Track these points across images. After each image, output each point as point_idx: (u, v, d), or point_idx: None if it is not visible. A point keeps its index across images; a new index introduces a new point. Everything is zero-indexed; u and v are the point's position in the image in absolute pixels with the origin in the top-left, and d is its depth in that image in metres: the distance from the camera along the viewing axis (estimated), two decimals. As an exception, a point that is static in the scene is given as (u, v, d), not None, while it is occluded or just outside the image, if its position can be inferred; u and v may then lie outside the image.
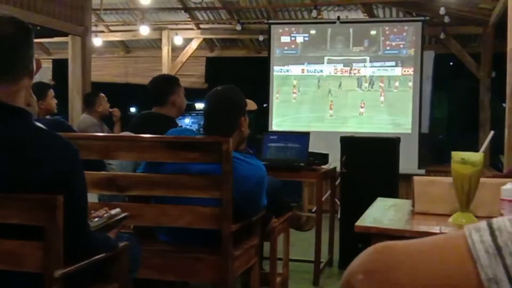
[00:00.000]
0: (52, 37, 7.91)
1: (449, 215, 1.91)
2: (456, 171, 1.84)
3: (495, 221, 0.66)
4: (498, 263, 0.63)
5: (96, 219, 2.21)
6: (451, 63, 11.53)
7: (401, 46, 8.38)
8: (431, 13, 8.41)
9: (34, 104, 2.18)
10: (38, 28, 6.29)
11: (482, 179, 1.85)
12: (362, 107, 8.49)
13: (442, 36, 8.67)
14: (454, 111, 10.76)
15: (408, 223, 1.89)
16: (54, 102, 4.97)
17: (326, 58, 8.64)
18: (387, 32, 8.43)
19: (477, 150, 1.92)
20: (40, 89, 4.54)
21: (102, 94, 6.06)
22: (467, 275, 0.64)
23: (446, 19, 8.14)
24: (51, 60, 11.01)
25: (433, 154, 9.62)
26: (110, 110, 6.03)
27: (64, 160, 1.89)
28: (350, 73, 8.58)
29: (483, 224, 0.66)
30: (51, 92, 4.95)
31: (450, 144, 9.96)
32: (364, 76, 8.52)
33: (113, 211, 2.31)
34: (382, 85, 8.44)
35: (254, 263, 3.20)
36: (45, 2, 6.58)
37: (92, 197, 3.35)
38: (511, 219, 0.65)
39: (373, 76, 8.48)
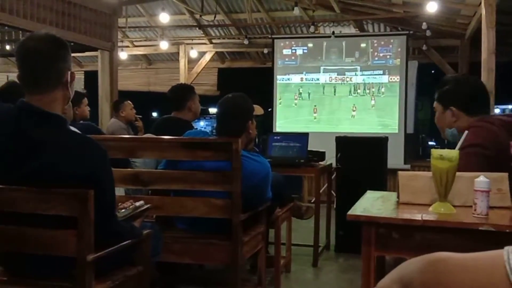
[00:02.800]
0: (83, 51, 7.94)
1: (429, 205, 1.91)
2: (435, 166, 1.84)
3: None
4: None
5: (123, 210, 2.21)
6: (432, 71, 11.46)
7: (388, 57, 8.36)
8: (414, 28, 8.38)
9: (69, 111, 2.18)
10: (72, 44, 6.31)
11: (458, 173, 1.85)
12: (354, 111, 8.48)
13: (424, 47, 8.63)
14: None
15: (394, 212, 1.88)
16: (87, 109, 4.98)
17: (322, 67, 8.63)
18: (376, 45, 8.41)
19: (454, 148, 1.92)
20: (76, 97, 4.54)
21: (129, 102, 6.05)
22: None
23: (428, 33, 8.11)
24: (83, 72, 11.05)
25: (417, 151, 9.58)
26: (135, 119, 6.00)
27: (95, 159, 1.89)
28: (343, 80, 8.57)
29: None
30: (85, 100, 4.96)
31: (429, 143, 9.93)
32: (356, 83, 8.51)
33: (137, 203, 2.31)
34: (372, 91, 8.42)
35: (261, 248, 3.20)
36: (78, 22, 6.60)
37: (119, 191, 3.36)
38: None
39: (363, 83, 8.47)
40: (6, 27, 7.08)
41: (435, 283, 0.69)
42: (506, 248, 0.66)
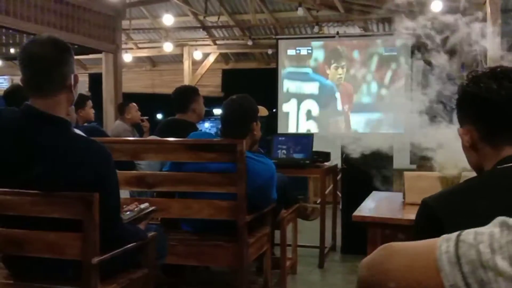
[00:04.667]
0: (88, 54, 7.96)
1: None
2: (442, 166, 1.84)
3: (464, 233, 0.66)
4: (457, 271, 0.63)
5: (128, 212, 2.21)
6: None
7: (393, 56, 8.35)
8: (419, 27, 8.34)
9: (73, 114, 2.19)
10: (76, 46, 6.33)
11: (463, 173, 1.85)
12: (359, 110, 8.47)
13: (429, 47, 8.59)
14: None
15: (399, 213, 1.88)
16: (92, 111, 4.99)
17: (333, 67, 8.62)
18: (381, 44, 8.40)
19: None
20: (80, 100, 4.57)
21: (133, 104, 6.05)
22: (434, 281, 0.65)
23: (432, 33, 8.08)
24: (87, 74, 11.09)
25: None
26: (141, 120, 5.98)
27: (99, 162, 1.90)
28: (349, 80, 8.56)
29: (454, 235, 0.66)
30: (90, 103, 4.97)
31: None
32: (361, 82, 8.50)
33: (142, 205, 2.31)
34: (377, 90, 8.41)
35: (266, 249, 3.20)
36: (81, 24, 6.62)
37: (124, 193, 3.36)
38: (477, 232, 0.65)
39: (369, 82, 8.46)
40: (10, 31, 7.11)
41: (378, 263, 0.74)
42: (444, 235, 0.68)
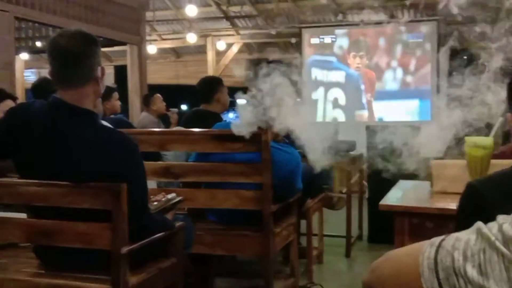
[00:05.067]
0: (112, 46, 8.03)
1: (464, 194, 1.88)
2: (470, 154, 1.82)
3: (446, 238, 0.66)
4: (434, 277, 0.64)
5: (155, 203, 2.23)
6: (465, 57, 11.26)
7: (419, 43, 8.23)
8: (445, 13, 8.21)
9: (100, 106, 2.21)
10: (101, 39, 6.39)
11: (492, 161, 1.82)
12: (385, 98, 8.39)
13: (455, 33, 8.46)
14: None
15: (428, 202, 1.86)
16: (118, 103, 5.03)
17: (351, 55, 8.55)
18: (406, 31, 8.29)
19: (488, 135, 1.88)
20: (106, 92, 4.60)
21: (158, 95, 6.09)
22: (418, 286, 0.66)
23: (459, 18, 7.94)
24: (112, 66, 11.19)
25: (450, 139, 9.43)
26: (169, 112, 5.96)
27: (126, 153, 1.92)
28: (374, 68, 8.48)
29: (438, 240, 0.67)
30: (116, 94, 5.01)
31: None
32: (386, 70, 8.41)
33: (169, 196, 2.33)
34: (403, 78, 8.32)
35: (292, 239, 3.21)
36: (106, 17, 6.68)
37: (151, 184, 3.39)
38: (457, 238, 0.65)
39: (394, 70, 8.36)
40: (36, 24, 7.21)
41: (375, 268, 0.76)
42: (430, 240, 0.68)
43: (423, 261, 0.66)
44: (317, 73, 8.75)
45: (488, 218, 0.66)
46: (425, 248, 0.67)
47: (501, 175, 1.18)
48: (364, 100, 8.53)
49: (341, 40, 8.64)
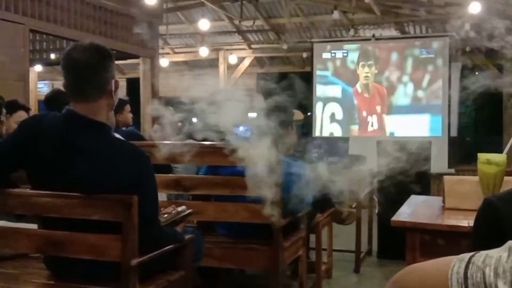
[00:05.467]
0: (125, 59, 8.10)
1: (476, 210, 1.86)
2: (482, 170, 1.80)
3: (477, 255, 0.66)
4: None
5: (165, 215, 2.24)
6: (476, 74, 11.22)
7: (430, 58, 8.22)
8: (456, 29, 8.20)
9: (113, 118, 2.23)
10: (114, 52, 6.43)
11: (506, 178, 1.80)
12: (395, 113, 8.37)
13: (467, 49, 8.44)
14: (480, 116, 10.50)
15: (439, 218, 1.85)
16: (130, 115, 5.05)
17: (360, 65, 8.55)
18: (418, 47, 8.28)
19: (501, 152, 1.87)
20: (119, 104, 4.61)
21: (170, 108, 6.09)
22: None
23: (471, 34, 7.92)
24: (125, 79, 11.26)
25: (462, 155, 9.37)
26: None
27: (138, 165, 1.93)
28: (384, 83, 8.47)
29: (467, 256, 0.67)
30: (128, 107, 5.03)
31: (476, 146, 9.75)
32: (397, 85, 8.40)
33: (179, 208, 2.33)
34: (414, 93, 8.30)
35: (301, 253, 3.19)
36: (119, 30, 6.75)
37: (162, 196, 3.39)
38: (488, 255, 0.65)
39: (405, 85, 8.35)
40: (51, 36, 7.29)
41: (396, 281, 0.75)
42: (459, 255, 0.68)
43: (452, 275, 0.65)
44: (318, 88, 8.80)
45: (505, 234, 0.66)
46: (454, 263, 0.67)
47: None
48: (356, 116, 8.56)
49: (352, 55, 8.66)
